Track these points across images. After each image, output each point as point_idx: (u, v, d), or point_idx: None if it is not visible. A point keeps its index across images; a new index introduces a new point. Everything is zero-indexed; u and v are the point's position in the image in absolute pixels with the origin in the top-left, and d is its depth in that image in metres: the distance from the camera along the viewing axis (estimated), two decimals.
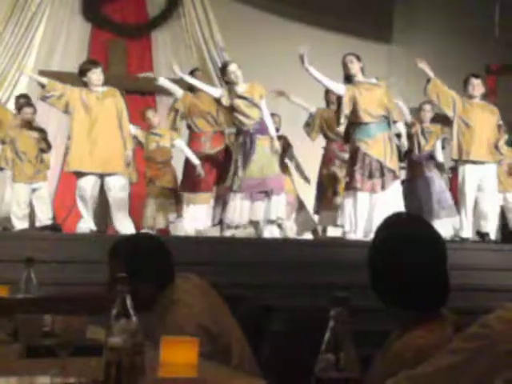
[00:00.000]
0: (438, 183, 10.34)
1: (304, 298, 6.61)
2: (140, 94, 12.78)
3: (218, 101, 9.37)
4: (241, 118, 9.08)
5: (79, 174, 8.97)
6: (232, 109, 9.15)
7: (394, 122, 9.43)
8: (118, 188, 9.00)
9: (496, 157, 9.82)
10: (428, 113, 10.52)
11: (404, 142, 10.06)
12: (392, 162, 9.13)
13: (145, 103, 13.00)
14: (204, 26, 13.22)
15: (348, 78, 9.26)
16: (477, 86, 9.93)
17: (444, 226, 9.84)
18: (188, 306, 3.13)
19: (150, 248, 3.34)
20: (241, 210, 9.08)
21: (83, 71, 8.99)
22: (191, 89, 10.16)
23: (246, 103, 9.10)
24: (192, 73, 10.38)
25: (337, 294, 1.59)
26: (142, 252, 3.28)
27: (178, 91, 10.27)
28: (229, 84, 9.22)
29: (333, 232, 10.86)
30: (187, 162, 10.14)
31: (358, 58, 9.37)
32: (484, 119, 9.83)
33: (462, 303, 6.64)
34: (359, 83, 9.23)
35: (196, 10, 13.27)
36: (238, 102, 9.08)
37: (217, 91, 9.41)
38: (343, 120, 9.21)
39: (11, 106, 11.75)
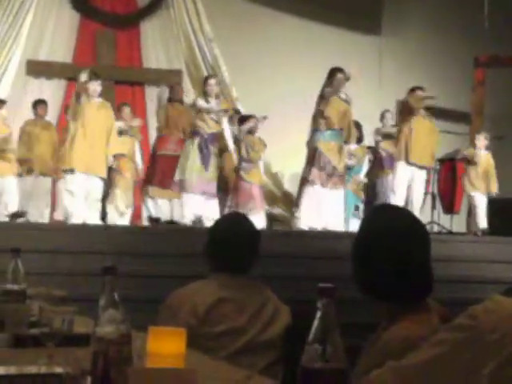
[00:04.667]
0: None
1: (289, 290, 6.62)
2: (129, 85, 12.75)
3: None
4: (201, 123, 10.01)
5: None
6: (197, 112, 10.14)
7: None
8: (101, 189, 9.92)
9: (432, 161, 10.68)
10: (389, 120, 11.53)
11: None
12: (342, 169, 10.04)
13: (133, 94, 12.98)
14: (193, 17, 13.17)
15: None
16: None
17: None
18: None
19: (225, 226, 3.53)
20: (195, 206, 9.97)
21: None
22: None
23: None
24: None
25: (323, 284, 1.59)
26: (218, 228, 3.52)
27: None
28: (205, 93, 10.23)
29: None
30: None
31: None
32: (425, 127, 10.46)
33: (449, 295, 6.67)
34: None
35: (185, 0, 13.23)
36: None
37: (190, 98, 10.64)
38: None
39: None
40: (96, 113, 9.66)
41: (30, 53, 12.56)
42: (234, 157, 10.52)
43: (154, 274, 7.56)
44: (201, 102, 10.17)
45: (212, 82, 10.32)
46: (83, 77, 9.74)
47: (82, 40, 12.93)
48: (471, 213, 11.43)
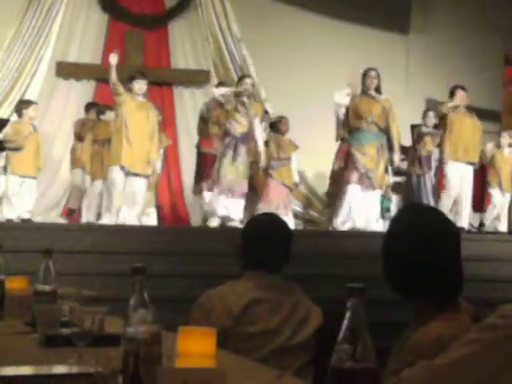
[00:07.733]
0: (430, 183, 11.09)
1: (319, 290, 6.62)
2: (157, 86, 12.78)
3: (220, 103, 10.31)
4: (233, 123, 9.89)
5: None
6: (229, 112, 10.02)
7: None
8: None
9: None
10: (432, 119, 11.25)
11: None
12: (379, 170, 9.96)
13: (162, 94, 13.01)
14: (221, 17, 13.19)
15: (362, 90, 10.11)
16: (464, 97, 10.63)
17: None
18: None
19: (254, 227, 3.53)
20: (218, 204, 9.94)
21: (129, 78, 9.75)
22: None
23: (244, 113, 9.98)
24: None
25: (352, 284, 1.59)
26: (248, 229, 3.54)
27: None
28: (238, 93, 10.06)
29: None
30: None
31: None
32: (468, 125, 10.53)
33: (480, 294, 6.62)
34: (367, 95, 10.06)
35: (213, 0, 13.25)
36: (239, 109, 9.98)
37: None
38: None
39: (28, 96, 11.83)
40: (136, 112, 9.61)
41: (59, 54, 12.65)
42: (262, 157, 10.30)
43: (183, 273, 7.58)
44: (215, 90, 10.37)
45: (248, 81, 10.23)
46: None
47: (110, 41, 12.99)
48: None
